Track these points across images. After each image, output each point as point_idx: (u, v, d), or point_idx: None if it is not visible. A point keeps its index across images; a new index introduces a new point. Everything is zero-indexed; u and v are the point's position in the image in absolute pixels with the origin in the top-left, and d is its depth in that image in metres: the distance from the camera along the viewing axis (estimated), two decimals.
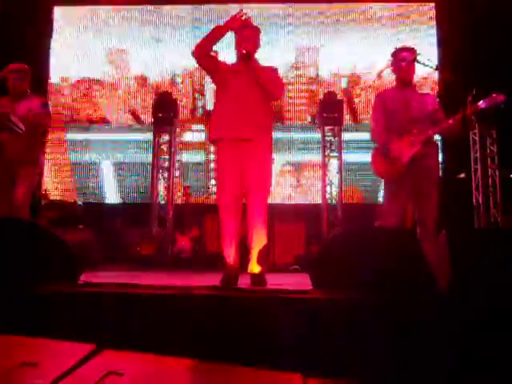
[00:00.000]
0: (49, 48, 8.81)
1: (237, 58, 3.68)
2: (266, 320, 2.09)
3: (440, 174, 4.13)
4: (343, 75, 8.62)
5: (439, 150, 4.03)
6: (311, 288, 2.49)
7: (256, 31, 3.67)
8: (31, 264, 2.33)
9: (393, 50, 4.00)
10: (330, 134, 7.85)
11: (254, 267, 3.42)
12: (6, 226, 2.55)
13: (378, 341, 2.00)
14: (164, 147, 8.15)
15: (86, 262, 5.19)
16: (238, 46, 3.61)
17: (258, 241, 3.46)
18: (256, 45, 3.62)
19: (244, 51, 3.49)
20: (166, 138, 8.14)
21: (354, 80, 8.57)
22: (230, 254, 3.42)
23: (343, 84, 8.62)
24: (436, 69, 4.19)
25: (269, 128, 3.60)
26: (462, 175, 7.63)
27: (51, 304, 2.06)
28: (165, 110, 7.95)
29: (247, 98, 3.47)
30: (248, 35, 3.57)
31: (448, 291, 2.37)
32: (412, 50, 3.92)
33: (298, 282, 3.73)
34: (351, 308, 2.08)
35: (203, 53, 3.54)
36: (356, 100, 8.55)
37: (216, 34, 3.55)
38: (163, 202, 8.00)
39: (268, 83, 3.50)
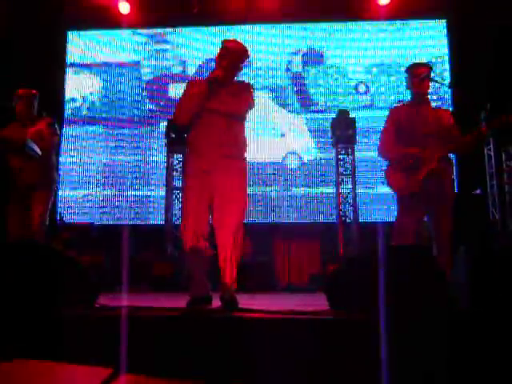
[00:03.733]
0: (64, 73, 8.93)
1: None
2: (283, 342, 2.07)
3: (455, 189, 4.11)
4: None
5: (454, 166, 4.03)
6: (328, 308, 2.47)
7: (231, 55, 3.46)
8: (48, 288, 2.33)
9: (408, 65, 4.02)
10: (343, 152, 7.84)
11: (226, 288, 3.28)
12: (22, 251, 2.56)
13: (396, 360, 1.97)
14: (178, 167, 8.19)
15: (102, 284, 5.20)
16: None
17: (229, 261, 3.30)
18: (229, 67, 3.43)
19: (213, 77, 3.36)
20: (179, 158, 8.19)
21: None
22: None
23: None
24: (449, 86, 4.19)
25: (237, 154, 3.46)
26: (478, 191, 7.57)
27: (68, 328, 2.06)
28: (178, 131, 7.99)
29: (213, 126, 3.38)
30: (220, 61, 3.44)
31: (467, 307, 2.34)
32: (427, 66, 3.94)
33: (314, 302, 3.69)
34: (369, 328, 2.05)
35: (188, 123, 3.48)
36: None
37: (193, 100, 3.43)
38: (177, 223, 8.01)
39: (230, 113, 3.41)
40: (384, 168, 3.99)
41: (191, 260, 3.36)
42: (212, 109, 3.38)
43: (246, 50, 3.55)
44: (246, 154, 3.52)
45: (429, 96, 3.97)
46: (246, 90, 3.54)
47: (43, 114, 4.70)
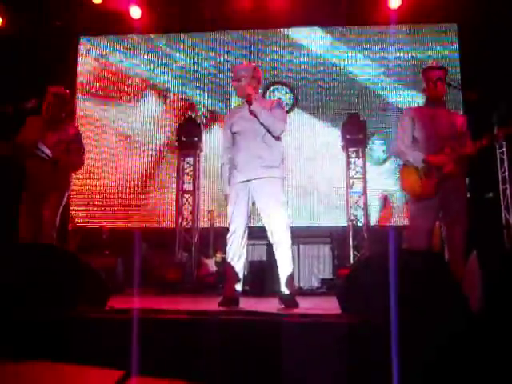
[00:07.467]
0: (75, 77, 8.96)
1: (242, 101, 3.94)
2: (294, 345, 2.06)
3: (468, 193, 4.09)
4: None
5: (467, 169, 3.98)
6: (340, 312, 2.45)
7: (246, 71, 3.88)
8: (60, 290, 2.34)
9: (423, 68, 3.99)
10: (354, 155, 7.81)
11: (284, 290, 3.66)
12: (34, 252, 2.57)
13: (407, 365, 1.95)
14: (188, 171, 8.19)
15: (112, 287, 5.20)
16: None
17: (284, 266, 3.69)
18: (250, 86, 3.80)
19: (245, 98, 3.77)
20: (190, 161, 8.19)
21: None
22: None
23: None
24: (460, 88, 4.16)
25: (274, 164, 3.75)
26: (490, 195, 7.50)
27: (80, 330, 2.06)
28: (189, 135, 8.00)
29: (250, 141, 3.73)
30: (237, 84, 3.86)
31: (480, 313, 2.32)
32: (441, 69, 3.90)
33: (325, 305, 3.69)
34: (381, 332, 2.04)
35: None
36: None
37: None
38: (188, 226, 8.00)
39: (267, 125, 3.72)
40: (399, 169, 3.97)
41: (228, 263, 3.72)
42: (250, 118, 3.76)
43: (255, 67, 3.99)
44: (282, 165, 3.84)
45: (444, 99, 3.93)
46: (277, 107, 3.84)
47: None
